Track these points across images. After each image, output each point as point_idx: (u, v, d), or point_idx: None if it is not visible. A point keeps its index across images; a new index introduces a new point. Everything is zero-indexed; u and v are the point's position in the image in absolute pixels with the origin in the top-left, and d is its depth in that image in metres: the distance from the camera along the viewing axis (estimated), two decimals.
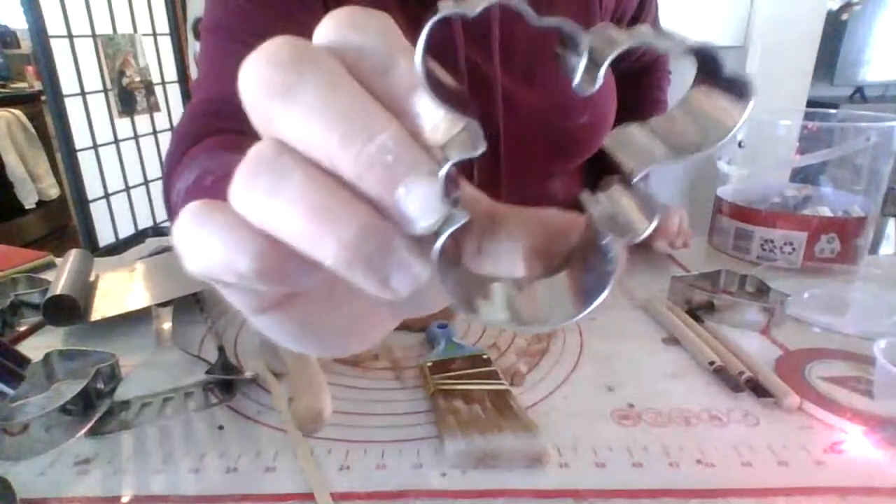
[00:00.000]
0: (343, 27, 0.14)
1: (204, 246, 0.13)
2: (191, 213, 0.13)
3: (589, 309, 0.15)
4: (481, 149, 0.13)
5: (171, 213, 0.46)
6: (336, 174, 0.13)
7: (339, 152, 0.13)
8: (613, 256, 0.14)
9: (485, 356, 0.43)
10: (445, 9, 0.12)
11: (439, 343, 0.45)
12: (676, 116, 0.15)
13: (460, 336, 0.48)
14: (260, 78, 0.13)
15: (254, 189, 0.13)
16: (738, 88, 0.14)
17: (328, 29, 0.14)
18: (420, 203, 0.13)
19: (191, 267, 0.14)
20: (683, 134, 0.15)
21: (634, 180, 0.15)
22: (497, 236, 0.18)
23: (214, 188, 0.37)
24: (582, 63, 0.13)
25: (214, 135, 0.46)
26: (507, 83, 0.58)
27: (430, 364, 0.42)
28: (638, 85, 0.76)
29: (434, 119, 0.13)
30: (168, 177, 0.46)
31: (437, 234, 0.13)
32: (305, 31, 0.15)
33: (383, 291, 0.13)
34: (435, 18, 0.12)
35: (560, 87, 0.59)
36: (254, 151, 0.13)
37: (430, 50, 0.13)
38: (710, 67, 0.14)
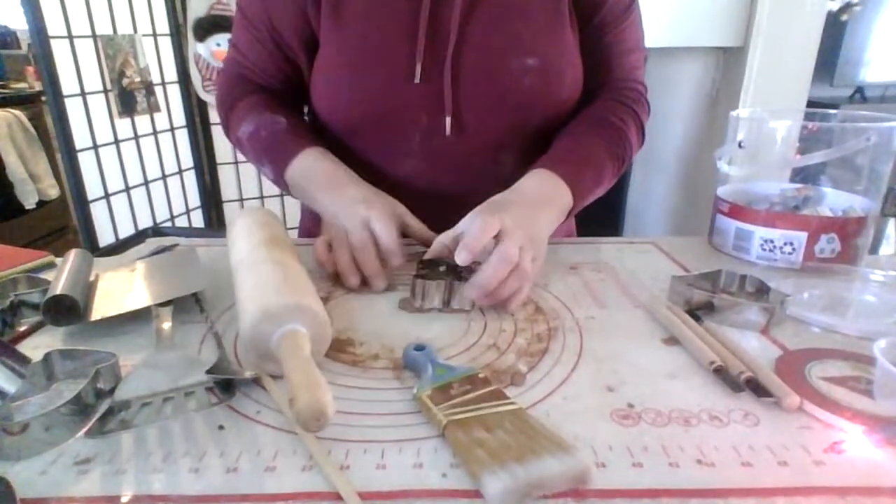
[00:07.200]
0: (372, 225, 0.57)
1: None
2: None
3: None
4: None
5: (238, 146, 0.72)
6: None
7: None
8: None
9: (480, 375, 0.40)
10: None
11: (426, 369, 0.41)
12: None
13: (436, 350, 0.44)
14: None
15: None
16: None
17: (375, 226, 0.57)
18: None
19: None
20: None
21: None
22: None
23: (269, 139, 0.67)
24: None
25: (250, 94, 0.70)
26: (462, 8, 0.63)
27: (428, 393, 0.38)
28: (595, 102, 0.70)
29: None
30: (226, 120, 0.72)
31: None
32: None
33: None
34: None
35: (507, 17, 0.64)
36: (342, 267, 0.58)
37: None
38: None
